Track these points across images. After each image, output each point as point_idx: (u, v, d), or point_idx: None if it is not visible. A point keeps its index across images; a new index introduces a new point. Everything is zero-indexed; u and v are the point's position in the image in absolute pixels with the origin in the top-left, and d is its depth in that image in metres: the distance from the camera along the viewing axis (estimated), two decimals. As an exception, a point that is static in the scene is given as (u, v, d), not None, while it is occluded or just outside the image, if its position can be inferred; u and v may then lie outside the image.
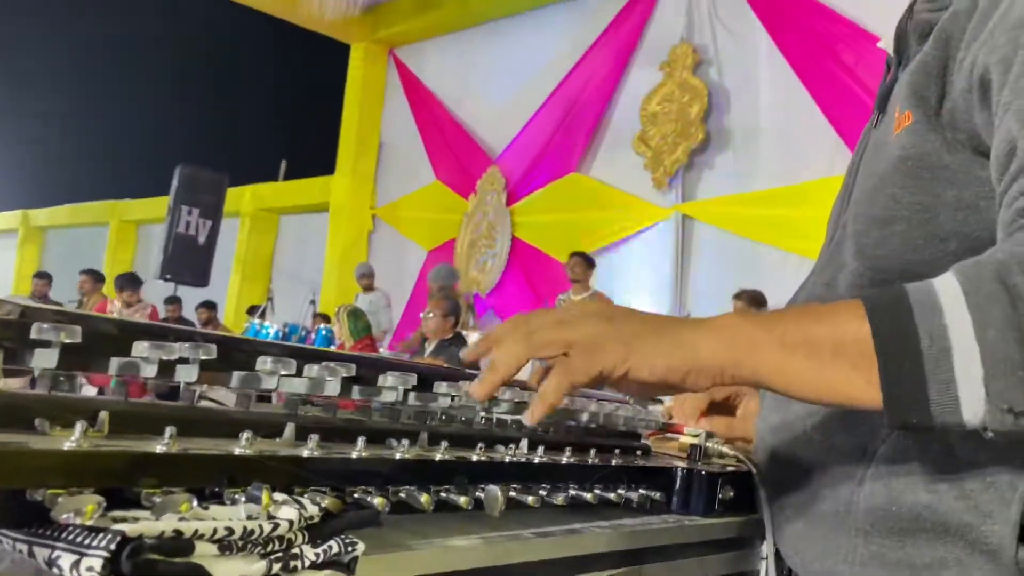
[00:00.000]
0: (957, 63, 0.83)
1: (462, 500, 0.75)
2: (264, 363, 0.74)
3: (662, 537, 0.95)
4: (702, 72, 7.71)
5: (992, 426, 0.66)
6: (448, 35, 10.33)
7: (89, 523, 0.50)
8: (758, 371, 0.74)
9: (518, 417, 1.01)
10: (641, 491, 0.97)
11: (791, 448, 0.95)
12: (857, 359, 0.70)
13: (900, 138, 0.87)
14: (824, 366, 0.71)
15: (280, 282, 11.77)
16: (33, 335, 0.61)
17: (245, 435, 0.65)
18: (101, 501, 0.51)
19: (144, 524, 0.50)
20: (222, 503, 0.59)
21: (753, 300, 5.73)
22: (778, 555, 0.98)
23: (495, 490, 0.76)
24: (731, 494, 1.04)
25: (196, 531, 0.51)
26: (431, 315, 5.91)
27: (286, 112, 16.86)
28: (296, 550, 0.57)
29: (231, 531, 0.53)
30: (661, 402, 1.22)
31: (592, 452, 0.98)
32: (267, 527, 0.55)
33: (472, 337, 6.22)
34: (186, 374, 0.70)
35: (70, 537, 0.50)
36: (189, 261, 10.17)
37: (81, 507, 0.50)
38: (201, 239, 10.26)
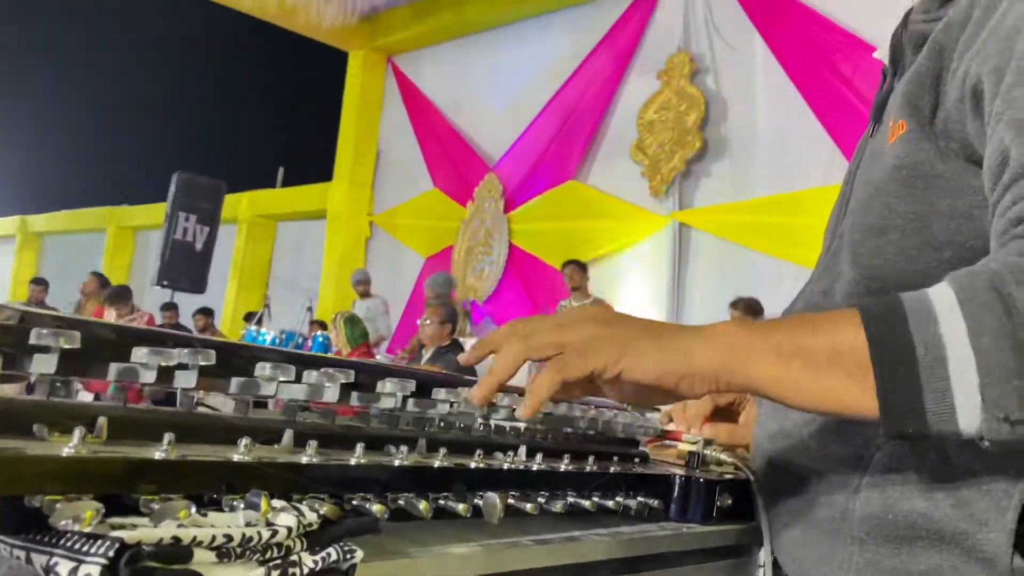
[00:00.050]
0: (950, 73, 0.84)
1: (460, 507, 0.75)
2: (263, 369, 0.74)
3: (660, 545, 0.95)
4: (699, 81, 7.74)
5: (988, 435, 0.66)
6: (446, 43, 10.35)
7: (87, 530, 0.50)
8: (753, 379, 0.74)
9: (517, 424, 1.01)
10: (639, 499, 0.97)
11: (788, 456, 0.95)
12: (853, 368, 0.70)
13: (894, 147, 0.88)
14: (820, 375, 0.72)
15: (277, 289, 11.76)
16: (32, 340, 0.61)
17: (243, 442, 0.65)
18: (99, 507, 0.51)
19: (142, 531, 0.50)
20: (221, 510, 0.59)
21: (750, 308, 5.74)
22: (776, 563, 0.98)
23: (494, 497, 0.76)
24: (729, 502, 1.04)
25: (195, 538, 0.51)
26: (428, 322, 5.91)
27: (284, 119, 16.88)
28: (294, 557, 0.57)
29: (230, 538, 0.53)
30: (659, 410, 1.22)
31: (590, 459, 0.98)
32: (265, 534, 0.55)
33: (469, 343, 6.22)
34: (185, 380, 0.69)
35: (68, 544, 0.50)
36: (186, 267, 10.16)
37: (79, 513, 0.50)
38: (198, 246, 10.25)
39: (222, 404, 0.87)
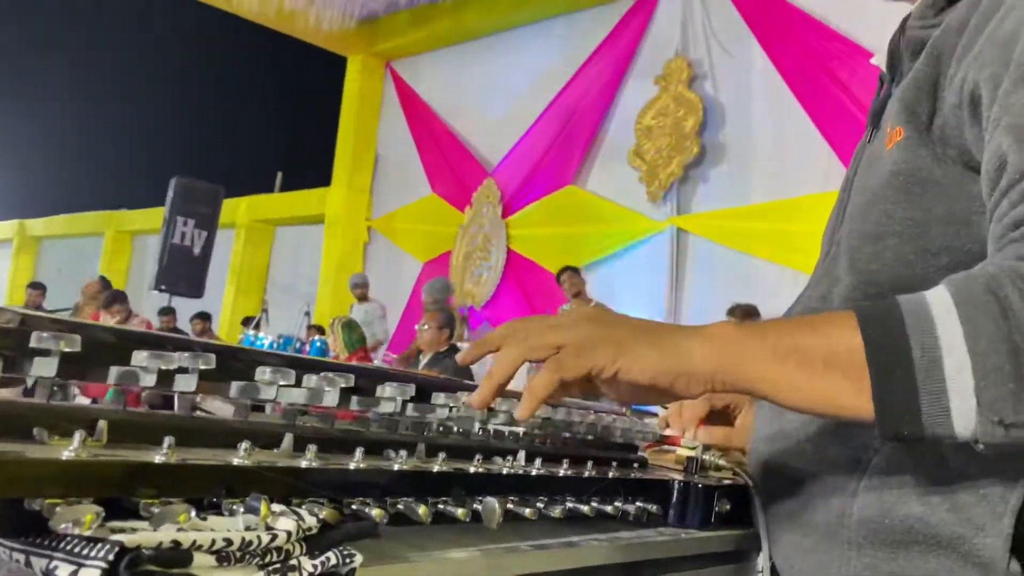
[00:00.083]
0: (948, 79, 0.84)
1: (460, 512, 0.75)
2: (263, 373, 0.74)
3: (659, 550, 0.95)
4: (697, 86, 7.75)
5: (983, 438, 0.66)
6: (444, 48, 10.36)
7: (87, 533, 0.50)
8: (749, 379, 0.74)
9: (516, 428, 1.02)
10: (638, 504, 0.97)
11: (785, 459, 0.96)
12: (849, 369, 0.71)
13: (892, 153, 0.88)
14: (816, 375, 0.72)
15: (275, 294, 11.75)
16: (32, 344, 0.61)
17: (243, 445, 0.65)
18: (99, 511, 0.51)
19: (142, 534, 0.50)
20: (220, 514, 0.59)
21: (747, 315, 5.75)
22: (774, 568, 0.98)
23: (493, 502, 0.76)
24: (727, 507, 1.04)
25: (194, 542, 0.51)
26: (426, 327, 5.90)
27: (282, 124, 16.88)
28: (294, 561, 0.57)
29: (229, 542, 0.53)
30: (657, 415, 1.22)
31: (589, 464, 0.98)
32: (265, 538, 0.55)
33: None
34: (185, 384, 0.70)
35: (68, 547, 0.50)
36: (184, 272, 10.15)
37: (79, 517, 0.50)
38: (196, 250, 10.25)
39: (218, 410, 0.87)
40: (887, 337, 0.69)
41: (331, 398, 0.79)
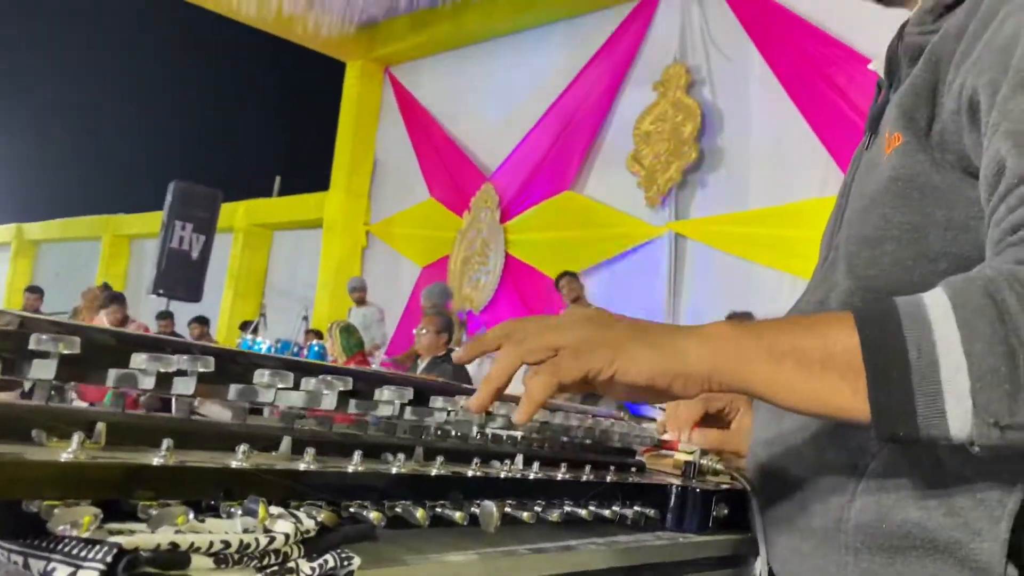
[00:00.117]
0: (947, 85, 0.84)
1: (458, 515, 0.75)
2: (261, 376, 0.74)
3: (656, 554, 0.95)
4: (695, 92, 7.76)
5: (978, 440, 0.67)
6: (443, 54, 10.38)
7: (85, 535, 0.50)
8: (746, 379, 0.74)
9: (514, 433, 1.02)
10: (636, 508, 0.97)
11: (783, 463, 0.96)
12: (845, 370, 0.71)
13: (890, 159, 0.88)
14: (812, 376, 0.72)
15: (273, 298, 11.74)
16: (32, 346, 0.61)
17: (242, 448, 0.65)
18: (98, 513, 0.52)
19: (140, 536, 0.50)
20: (218, 516, 0.59)
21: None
22: (771, 573, 0.98)
23: (491, 506, 0.76)
24: (725, 511, 1.04)
25: (192, 544, 0.51)
26: (424, 332, 5.90)
27: (281, 128, 16.90)
28: (292, 564, 0.57)
29: (227, 544, 0.53)
30: (655, 419, 1.22)
31: (587, 468, 0.98)
32: (263, 540, 0.55)
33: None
34: (183, 386, 0.70)
35: (66, 549, 0.50)
36: (182, 276, 10.13)
37: (77, 519, 0.50)
38: (194, 254, 10.24)
39: (216, 415, 0.87)
40: (884, 338, 0.69)
41: (329, 401, 0.79)
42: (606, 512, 0.93)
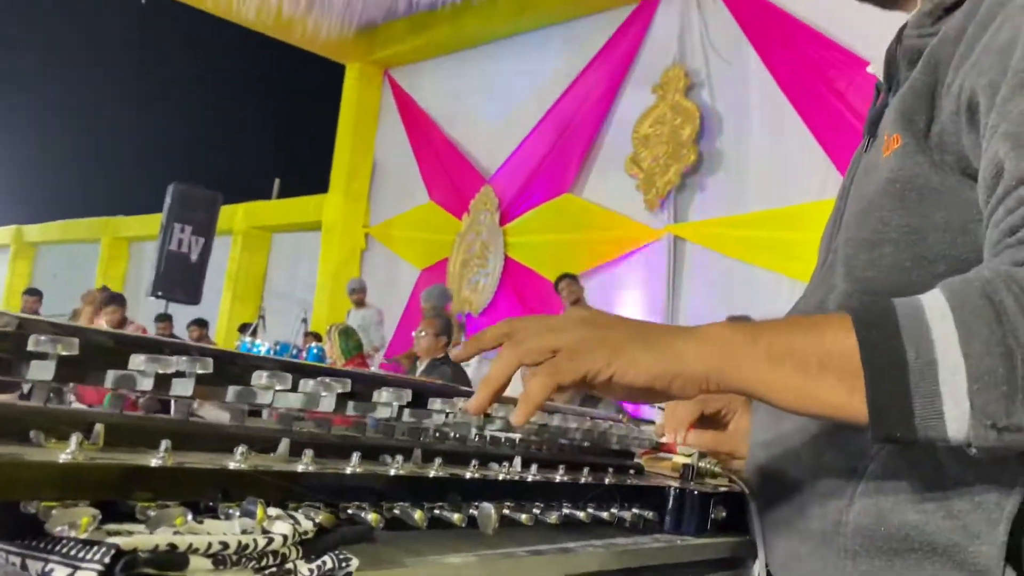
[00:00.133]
0: (945, 87, 0.84)
1: (456, 517, 0.75)
2: (259, 378, 0.74)
3: (654, 557, 0.95)
4: (694, 95, 7.77)
5: (976, 441, 0.67)
6: (443, 56, 10.39)
7: (83, 536, 0.50)
8: (744, 380, 0.74)
9: (512, 435, 1.02)
10: (634, 510, 0.97)
11: (782, 465, 0.96)
12: (843, 370, 0.71)
13: (889, 161, 0.88)
14: (810, 377, 0.72)
15: (272, 301, 11.74)
16: (30, 347, 0.62)
17: (240, 450, 0.65)
18: (96, 514, 0.52)
19: (138, 538, 0.50)
20: (217, 517, 0.59)
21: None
22: (769, 575, 0.98)
23: (489, 508, 0.76)
24: (723, 514, 1.04)
25: (190, 545, 0.51)
26: (423, 334, 5.90)
27: (280, 131, 16.90)
28: (290, 565, 0.57)
29: (225, 545, 0.53)
30: (654, 422, 1.22)
31: (585, 471, 0.98)
32: (261, 542, 0.55)
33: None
34: (182, 388, 0.70)
35: (64, 550, 0.50)
36: (181, 279, 10.14)
37: (75, 520, 0.50)
38: (193, 257, 10.24)
39: (214, 418, 0.87)
40: (882, 339, 0.70)
41: (327, 403, 0.79)
42: (604, 514, 0.93)
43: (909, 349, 0.68)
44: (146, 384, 0.67)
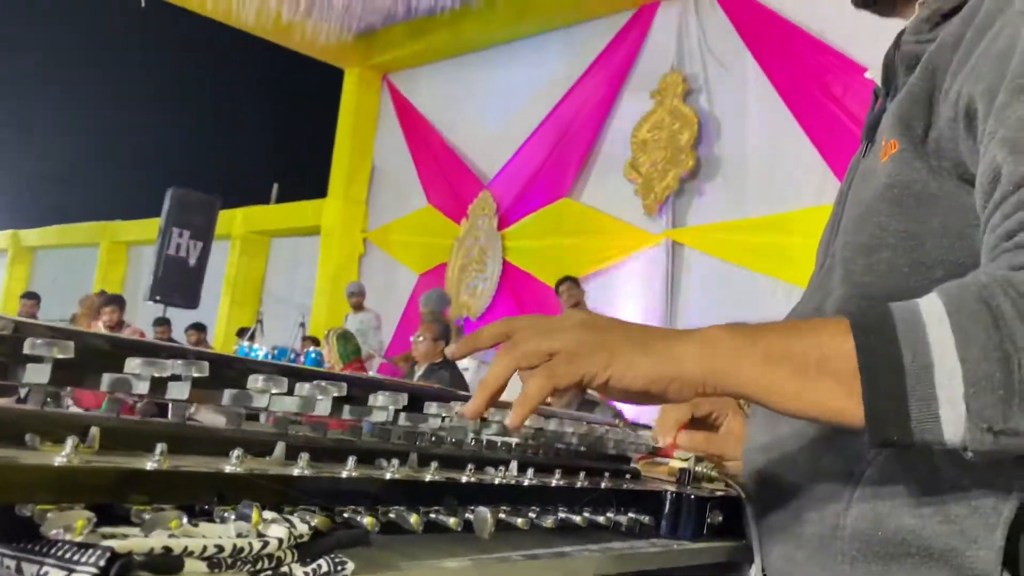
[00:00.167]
0: (943, 93, 0.85)
1: (451, 521, 0.75)
2: (255, 381, 0.74)
3: (651, 561, 0.95)
4: (692, 100, 7.78)
5: (972, 445, 0.67)
6: (441, 61, 10.39)
7: (79, 539, 0.50)
8: (741, 383, 0.74)
9: (508, 439, 1.02)
10: (630, 515, 0.97)
11: (779, 470, 0.96)
12: (840, 374, 0.71)
13: (886, 166, 0.89)
14: (807, 380, 0.72)
15: (270, 305, 11.73)
16: (26, 350, 0.62)
17: (235, 453, 0.65)
18: (91, 517, 0.51)
19: (134, 540, 0.50)
20: (212, 520, 0.59)
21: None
22: (767, 580, 0.98)
23: (485, 512, 0.76)
24: (720, 519, 1.04)
25: (186, 548, 0.51)
26: (421, 339, 5.90)
27: (279, 135, 16.90)
28: (285, 568, 0.57)
29: (221, 548, 0.53)
30: (651, 427, 1.22)
31: (582, 475, 0.98)
32: (257, 545, 0.55)
33: (463, 363, 6.23)
34: (178, 391, 0.70)
35: (59, 553, 0.50)
36: (179, 283, 10.13)
37: (71, 523, 0.50)
38: (192, 261, 10.24)
39: (211, 423, 0.87)
40: (879, 343, 0.70)
41: (323, 407, 0.79)
42: (600, 519, 0.93)
43: (906, 353, 0.68)
44: (142, 388, 0.67)
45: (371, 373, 7.25)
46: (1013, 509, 0.78)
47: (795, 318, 1.03)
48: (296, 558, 0.58)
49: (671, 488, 1.06)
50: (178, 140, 18.13)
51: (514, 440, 1.03)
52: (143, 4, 9.05)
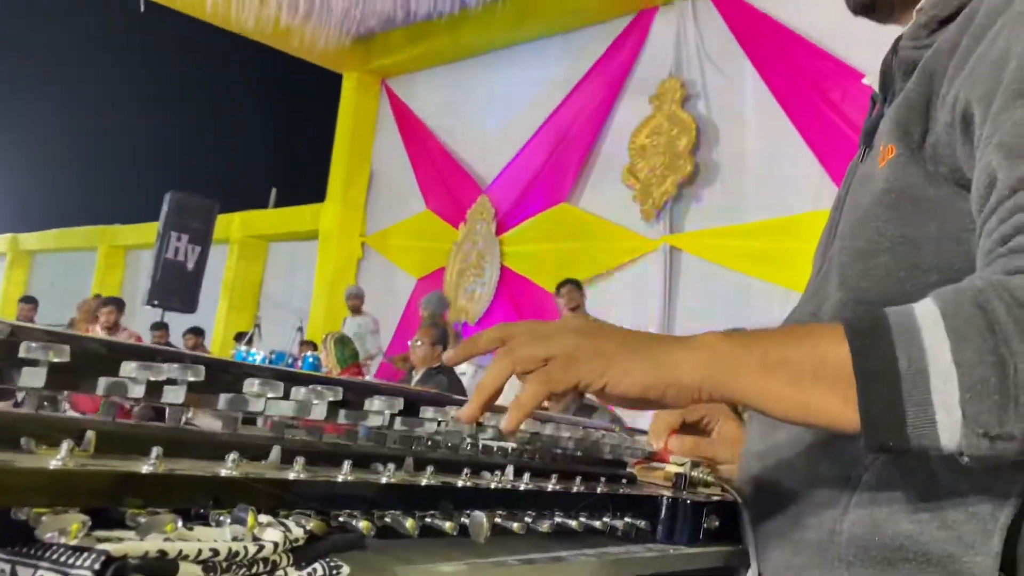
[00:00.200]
0: (940, 98, 0.85)
1: (447, 525, 0.75)
2: (251, 385, 0.74)
3: (647, 566, 0.94)
4: (690, 106, 7.79)
5: (968, 450, 0.67)
6: (440, 66, 10.41)
7: (73, 542, 0.50)
8: (738, 390, 0.74)
9: (504, 444, 1.02)
10: (626, 519, 0.97)
11: (776, 475, 0.96)
12: (836, 380, 0.71)
13: (884, 171, 0.89)
14: (804, 386, 0.72)
15: (268, 309, 11.73)
16: (22, 354, 0.61)
17: (231, 457, 0.65)
18: (86, 520, 0.51)
19: (129, 544, 0.50)
20: (207, 524, 0.59)
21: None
22: (763, 585, 0.97)
23: (480, 516, 0.76)
24: (716, 523, 1.04)
25: (181, 552, 0.51)
26: (419, 343, 5.89)
27: (277, 140, 16.91)
28: (281, 572, 0.57)
29: (216, 552, 0.53)
30: (647, 432, 1.22)
31: (578, 480, 0.98)
32: (252, 549, 0.55)
33: (460, 368, 6.22)
34: (173, 395, 0.70)
35: (54, 556, 0.50)
36: (177, 287, 10.13)
37: (66, 526, 0.50)
38: (190, 265, 10.24)
39: (207, 427, 0.87)
40: (874, 348, 0.70)
41: (319, 411, 0.79)
42: (596, 523, 0.93)
43: (901, 358, 0.68)
44: (137, 391, 0.67)
45: (371, 375, 7.24)
46: (1010, 515, 0.78)
47: (792, 323, 1.03)
48: (291, 562, 0.58)
49: (667, 493, 1.06)
50: (177, 144, 18.14)
51: (510, 444, 1.03)
52: (142, 8, 9.05)
